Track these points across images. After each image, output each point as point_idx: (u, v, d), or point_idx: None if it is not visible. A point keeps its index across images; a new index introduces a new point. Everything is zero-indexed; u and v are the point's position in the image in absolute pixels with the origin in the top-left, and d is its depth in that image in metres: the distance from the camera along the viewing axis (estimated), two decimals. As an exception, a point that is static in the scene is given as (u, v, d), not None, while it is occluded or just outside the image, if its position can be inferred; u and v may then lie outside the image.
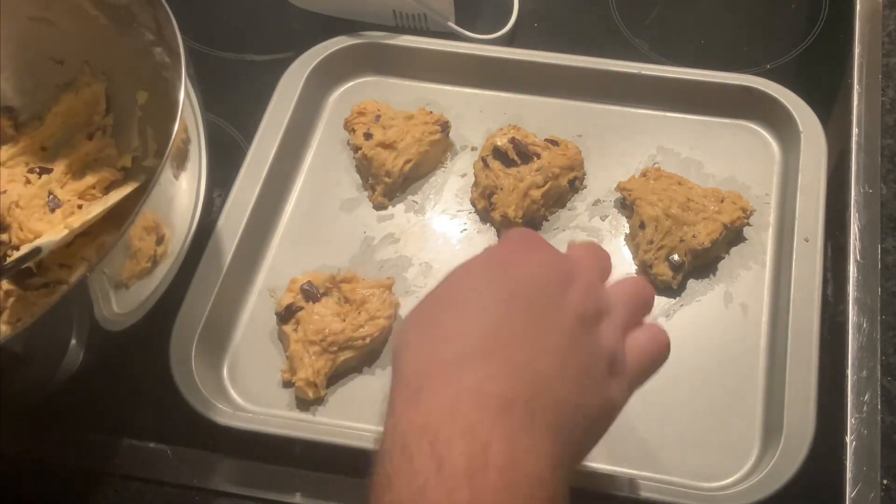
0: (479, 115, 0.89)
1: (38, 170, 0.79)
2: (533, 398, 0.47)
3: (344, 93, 0.91)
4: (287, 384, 0.74)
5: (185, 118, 0.66)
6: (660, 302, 0.77)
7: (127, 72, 0.78)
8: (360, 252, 0.81)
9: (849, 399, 0.71)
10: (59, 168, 0.79)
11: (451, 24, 0.92)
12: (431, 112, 0.85)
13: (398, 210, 0.84)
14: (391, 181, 0.83)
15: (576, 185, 0.83)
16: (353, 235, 0.82)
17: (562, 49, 0.89)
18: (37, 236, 0.74)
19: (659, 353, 0.56)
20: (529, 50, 0.89)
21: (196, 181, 0.71)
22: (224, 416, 0.70)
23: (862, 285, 0.76)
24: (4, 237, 0.76)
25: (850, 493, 0.67)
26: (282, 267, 0.80)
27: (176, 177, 0.67)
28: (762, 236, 0.80)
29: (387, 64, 0.91)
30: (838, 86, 0.88)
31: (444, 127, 0.85)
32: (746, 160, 0.84)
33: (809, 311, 0.73)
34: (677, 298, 0.77)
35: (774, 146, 0.85)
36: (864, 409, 0.71)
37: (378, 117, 0.85)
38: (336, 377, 0.74)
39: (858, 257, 0.77)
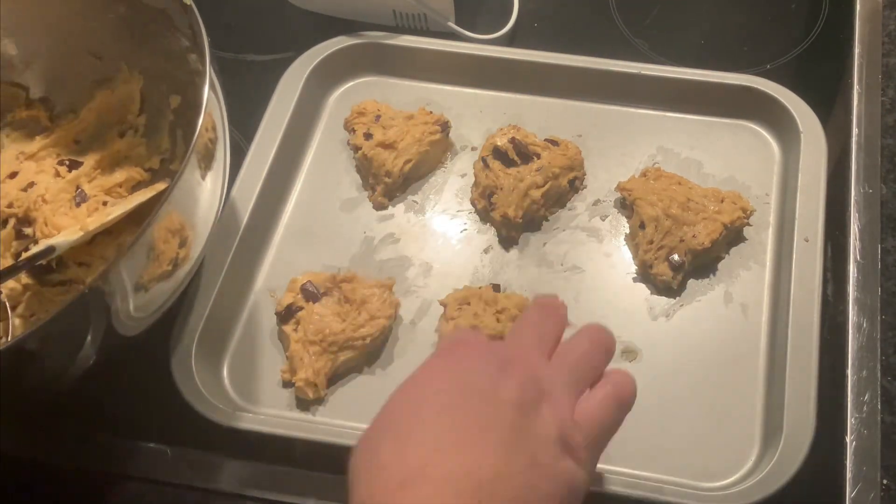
0: (479, 114, 0.89)
1: (67, 162, 0.80)
2: None
3: (344, 93, 0.91)
4: (287, 384, 0.74)
5: (212, 117, 0.66)
6: (660, 302, 0.77)
7: (162, 74, 0.79)
8: (360, 252, 0.81)
9: (849, 399, 0.71)
10: (88, 162, 0.80)
11: (451, 24, 0.92)
12: (431, 112, 0.85)
13: (398, 210, 0.84)
14: (391, 181, 0.83)
15: (576, 185, 0.83)
16: (353, 235, 0.82)
17: (562, 49, 0.88)
18: (60, 231, 0.74)
19: (614, 411, 0.56)
20: (529, 50, 0.89)
21: (220, 184, 0.71)
22: (224, 416, 0.70)
23: (862, 285, 0.76)
24: (29, 231, 0.77)
25: (850, 493, 0.67)
26: (282, 267, 0.80)
27: (202, 177, 0.67)
28: (762, 236, 0.80)
29: (387, 64, 0.91)
30: (838, 86, 0.88)
31: (444, 127, 0.85)
32: (746, 160, 0.84)
33: (809, 310, 0.73)
34: (677, 298, 0.77)
35: (774, 146, 0.85)
36: (864, 409, 0.70)
37: (378, 117, 0.85)
38: (336, 377, 0.74)
39: (858, 257, 0.77)
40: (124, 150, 0.81)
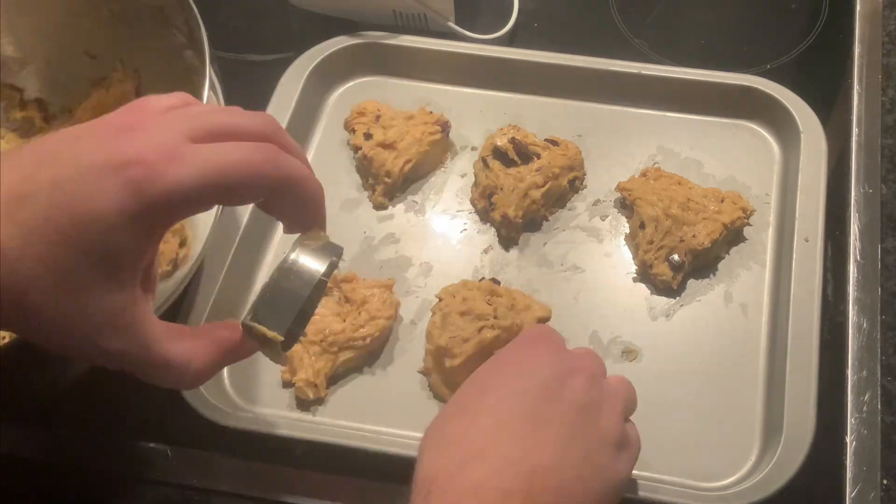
0: (479, 115, 0.89)
1: None
2: (531, 488, 0.51)
3: (344, 93, 0.91)
4: (287, 384, 0.74)
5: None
6: (660, 302, 0.77)
7: (157, 73, 0.78)
8: (360, 252, 0.81)
9: (849, 399, 0.71)
10: None
11: (451, 24, 0.92)
12: (431, 112, 0.85)
13: (398, 210, 0.84)
14: (391, 181, 0.83)
15: (576, 185, 0.83)
16: (353, 235, 0.82)
17: (562, 49, 0.88)
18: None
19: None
20: (529, 50, 0.89)
21: None
22: (224, 416, 0.70)
23: (862, 285, 0.76)
24: None
25: (850, 493, 0.67)
26: (282, 267, 0.80)
27: None
28: (762, 236, 0.80)
29: (387, 64, 0.91)
30: (838, 86, 0.88)
31: (444, 127, 0.85)
32: (746, 160, 0.84)
33: (809, 311, 0.73)
34: (677, 298, 0.77)
35: (774, 146, 0.85)
36: (864, 409, 0.71)
37: (378, 117, 0.85)
38: (336, 377, 0.74)
39: (858, 257, 0.77)
40: None
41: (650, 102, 0.87)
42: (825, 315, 0.74)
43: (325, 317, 0.74)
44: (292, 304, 0.51)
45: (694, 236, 0.76)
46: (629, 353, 0.75)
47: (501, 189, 0.80)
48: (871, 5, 0.91)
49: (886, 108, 0.85)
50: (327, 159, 0.87)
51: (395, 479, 0.69)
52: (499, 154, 0.81)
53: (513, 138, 0.81)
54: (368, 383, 0.75)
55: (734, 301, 0.77)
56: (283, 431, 0.70)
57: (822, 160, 0.81)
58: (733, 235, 0.79)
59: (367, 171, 0.84)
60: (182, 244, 0.65)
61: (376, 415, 0.72)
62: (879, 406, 0.71)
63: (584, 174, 0.84)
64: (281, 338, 0.50)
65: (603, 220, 0.82)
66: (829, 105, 0.86)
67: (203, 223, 0.68)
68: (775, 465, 0.67)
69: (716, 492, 0.67)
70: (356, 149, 0.84)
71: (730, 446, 0.70)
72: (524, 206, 0.80)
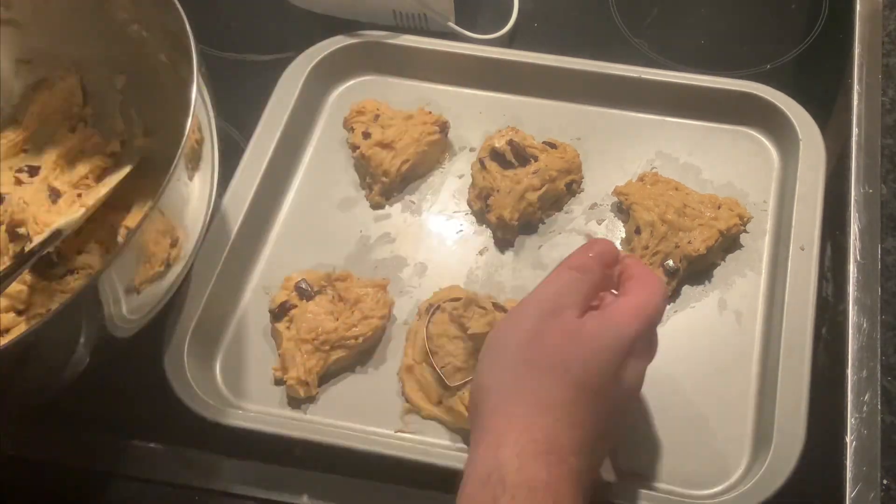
0: (478, 116, 0.89)
1: (26, 168, 0.79)
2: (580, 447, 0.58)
3: (343, 92, 0.91)
4: (279, 382, 0.74)
5: (199, 117, 0.66)
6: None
7: (99, 59, 0.78)
8: (355, 251, 0.81)
9: (849, 399, 0.71)
10: (47, 164, 0.80)
11: (451, 24, 0.92)
12: (430, 112, 0.85)
13: (395, 210, 0.84)
14: (389, 181, 0.83)
15: (573, 189, 0.83)
16: (349, 234, 0.82)
17: (562, 49, 0.88)
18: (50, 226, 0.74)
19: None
20: (529, 52, 0.89)
21: (209, 182, 0.71)
22: (215, 413, 0.70)
23: (862, 285, 0.76)
24: (23, 231, 0.76)
25: (850, 493, 0.67)
26: (277, 264, 0.80)
27: (190, 178, 0.67)
28: (758, 243, 0.80)
29: (386, 64, 0.91)
30: (838, 86, 0.88)
31: (443, 127, 0.85)
32: (745, 167, 0.84)
33: (803, 319, 0.72)
34: (671, 304, 0.77)
35: (773, 153, 0.85)
36: (864, 409, 0.70)
37: (377, 117, 0.85)
38: (328, 376, 0.74)
39: (858, 257, 0.77)
40: (79, 144, 0.80)
41: (650, 107, 0.87)
42: (825, 315, 0.74)
43: (318, 315, 0.74)
44: None
45: (689, 242, 0.76)
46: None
47: (498, 191, 0.80)
48: (871, 5, 0.91)
49: (886, 108, 0.85)
50: (326, 157, 0.87)
51: (386, 479, 0.70)
52: (496, 156, 0.81)
53: (510, 140, 0.81)
54: (360, 382, 0.75)
55: (728, 308, 0.77)
56: (274, 430, 0.70)
57: (820, 168, 0.80)
58: (729, 242, 0.79)
59: (364, 170, 0.84)
60: (173, 244, 0.65)
61: (367, 414, 0.72)
62: (879, 406, 0.71)
63: (582, 178, 0.84)
64: None
65: (599, 224, 0.82)
66: (829, 105, 0.86)
67: (193, 222, 0.68)
68: (764, 474, 0.66)
69: (706, 500, 0.67)
70: (354, 148, 0.84)
71: (721, 454, 0.70)
72: (520, 208, 0.79)
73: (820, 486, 0.68)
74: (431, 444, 0.70)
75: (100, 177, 0.79)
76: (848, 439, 0.69)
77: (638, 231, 0.78)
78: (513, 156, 0.81)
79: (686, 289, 0.78)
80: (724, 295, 0.77)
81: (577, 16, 0.98)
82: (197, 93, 0.64)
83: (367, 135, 0.83)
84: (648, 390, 0.71)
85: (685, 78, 0.86)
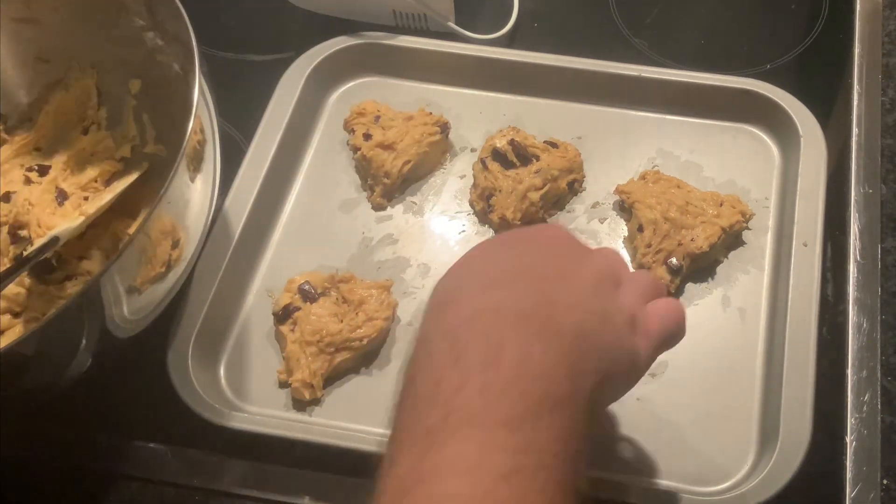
0: (479, 116, 0.89)
1: (36, 167, 0.79)
2: (550, 317, 0.50)
3: (344, 93, 0.91)
4: (284, 384, 0.74)
5: (200, 118, 0.66)
6: (657, 305, 0.77)
7: (116, 62, 0.78)
8: (358, 253, 0.81)
9: (849, 399, 0.71)
10: (57, 165, 0.80)
11: (451, 25, 0.92)
12: (431, 113, 0.85)
13: (397, 211, 0.84)
14: (390, 182, 0.83)
15: (575, 188, 0.83)
16: (351, 236, 0.82)
17: (562, 49, 0.88)
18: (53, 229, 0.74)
19: (677, 324, 0.59)
20: (530, 52, 0.89)
21: (211, 183, 0.71)
22: (220, 416, 0.70)
23: (862, 285, 0.76)
24: (24, 233, 0.76)
25: (850, 493, 0.67)
26: (280, 267, 0.80)
27: (192, 179, 0.66)
28: (761, 240, 0.80)
29: (387, 64, 0.91)
30: (838, 86, 0.88)
31: (444, 128, 0.85)
32: (746, 164, 0.84)
33: (807, 315, 0.73)
34: (675, 302, 0.77)
35: (774, 150, 0.85)
36: (864, 409, 0.70)
37: (378, 118, 0.85)
38: (333, 378, 0.74)
39: (858, 257, 0.77)
40: (90, 147, 0.80)
41: (650, 105, 0.87)
42: (825, 315, 0.74)
43: (322, 317, 0.74)
44: None
45: (692, 240, 0.76)
46: (626, 356, 0.74)
47: (500, 191, 0.80)
48: (871, 5, 0.91)
49: (886, 108, 0.85)
50: (327, 159, 0.87)
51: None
52: (498, 156, 0.81)
53: (512, 140, 0.81)
54: (365, 384, 0.74)
55: (732, 305, 0.77)
56: (279, 432, 0.70)
57: (821, 164, 0.80)
58: (732, 239, 0.79)
59: (366, 171, 0.84)
60: (175, 245, 0.65)
61: (372, 416, 0.72)
62: (879, 406, 0.71)
63: (584, 176, 0.84)
64: None
65: (601, 223, 0.82)
66: (829, 105, 0.86)
67: (194, 224, 0.68)
68: (771, 470, 0.66)
69: (712, 496, 0.67)
70: (355, 149, 0.84)
71: (726, 451, 0.70)
72: (522, 208, 0.79)
73: (820, 485, 0.68)
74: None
75: (108, 181, 0.79)
76: (848, 439, 0.69)
77: (640, 229, 0.78)
78: (514, 155, 0.81)
79: (689, 286, 0.78)
80: (728, 292, 0.77)
81: (577, 16, 0.98)
82: (199, 93, 0.64)
83: (368, 136, 0.83)
84: (652, 387, 0.72)
85: (685, 76, 0.86)
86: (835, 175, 0.81)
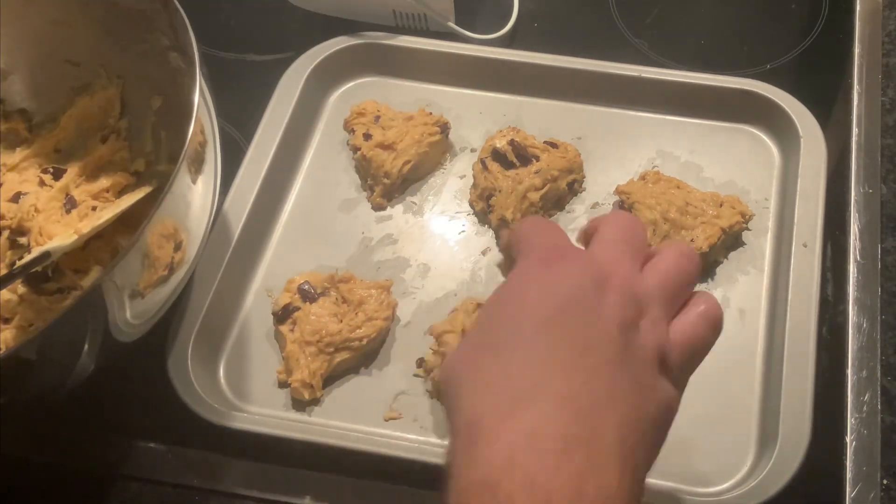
0: (479, 116, 0.89)
1: (52, 170, 0.79)
2: (593, 430, 0.44)
3: (344, 93, 0.91)
4: (283, 384, 0.74)
5: (201, 121, 0.66)
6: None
7: (142, 76, 0.78)
8: (357, 253, 0.81)
9: (849, 399, 0.71)
10: (72, 170, 0.79)
11: (451, 25, 0.92)
12: (431, 113, 0.86)
13: (397, 211, 0.84)
14: (390, 182, 0.83)
15: (574, 188, 0.83)
16: (351, 236, 0.82)
17: (562, 49, 0.88)
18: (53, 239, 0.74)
19: (708, 331, 0.53)
20: (530, 52, 0.89)
21: (212, 185, 0.71)
22: (219, 416, 0.70)
23: (862, 285, 0.76)
24: (24, 240, 0.76)
25: (850, 493, 0.67)
26: (280, 267, 0.80)
27: (193, 181, 0.66)
28: (761, 241, 0.80)
29: (387, 64, 0.91)
30: (838, 86, 0.88)
31: (444, 128, 0.85)
32: (746, 164, 0.84)
33: (807, 316, 0.73)
34: (675, 302, 0.77)
35: (774, 150, 0.85)
36: (864, 409, 0.70)
37: (378, 118, 0.85)
38: (333, 378, 0.74)
39: (858, 257, 0.77)
40: (107, 156, 0.80)
41: (650, 105, 0.87)
42: (825, 315, 0.74)
43: (322, 317, 0.74)
44: None
45: (692, 240, 0.76)
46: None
47: (500, 191, 0.80)
48: (871, 5, 0.91)
49: (886, 108, 0.85)
50: (327, 159, 0.87)
51: (391, 480, 0.69)
52: (498, 156, 0.81)
53: (512, 140, 0.81)
54: (364, 384, 0.74)
55: (731, 306, 0.77)
56: (279, 432, 0.70)
57: (821, 165, 0.80)
58: (732, 240, 0.79)
59: (366, 171, 0.84)
60: (177, 248, 0.65)
61: (372, 416, 0.72)
62: (879, 406, 0.71)
63: (583, 177, 0.84)
64: None
65: (601, 223, 0.82)
66: (829, 105, 0.86)
67: (196, 226, 0.68)
68: (770, 471, 0.66)
69: (711, 497, 0.67)
70: (355, 149, 0.84)
71: (725, 452, 0.70)
72: (522, 208, 0.79)
73: (820, 485, 0.68)
74: (437, 444, 0.70)
75: (120, 193, 0.79)
76: (848, 439, 0.69)
77: (641, 230, 0.78)
78: (514, 156, 0.81)
79: (689, 287, 0.78)
80: (728, 293, 0.77)
81: (577, 16, 0.98)
82: (199, 94, 0.64)
83: (368, 136, 0.84)
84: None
85: (685, 76, 0.86)
86: (835, 175, 0.81)
